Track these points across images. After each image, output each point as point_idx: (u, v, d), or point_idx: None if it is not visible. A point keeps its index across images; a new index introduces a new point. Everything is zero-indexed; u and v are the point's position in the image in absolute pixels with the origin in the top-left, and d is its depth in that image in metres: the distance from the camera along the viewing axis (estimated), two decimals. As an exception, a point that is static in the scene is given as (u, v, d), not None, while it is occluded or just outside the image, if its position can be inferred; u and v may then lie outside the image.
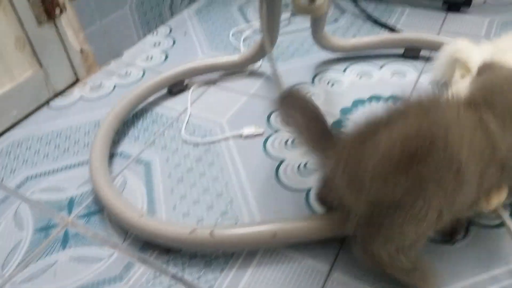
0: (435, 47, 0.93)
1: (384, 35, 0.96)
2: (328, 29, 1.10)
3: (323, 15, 0.84)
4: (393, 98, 0.85)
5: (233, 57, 0.94)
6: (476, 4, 1.16)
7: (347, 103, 0.87)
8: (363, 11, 1.14)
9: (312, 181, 0.70)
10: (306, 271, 0.58)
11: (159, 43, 1.12)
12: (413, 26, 1.09)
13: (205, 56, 1.06)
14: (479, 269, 0.56)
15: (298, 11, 0.71)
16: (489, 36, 1.02)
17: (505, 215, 0.56)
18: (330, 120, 0.80)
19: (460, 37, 0.75)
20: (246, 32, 1.13)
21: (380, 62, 0.97)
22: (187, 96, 0.92)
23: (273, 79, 0.82)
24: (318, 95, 0.89)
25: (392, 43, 0.95)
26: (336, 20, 1.15)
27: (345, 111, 0.84)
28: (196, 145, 0.80)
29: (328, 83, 0.93)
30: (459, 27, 1.06)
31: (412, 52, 0.95)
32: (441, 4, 1.13)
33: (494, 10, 1.12)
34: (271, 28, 0.84)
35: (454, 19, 1.10)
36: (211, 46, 1.10)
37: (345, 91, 0.90)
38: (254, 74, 0.97)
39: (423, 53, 0.96)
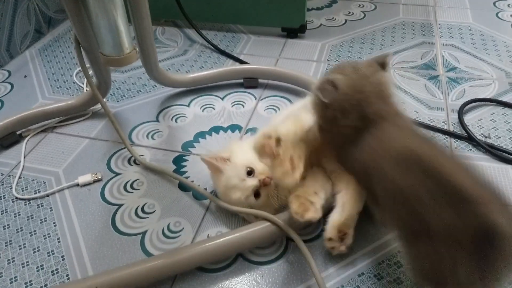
0: (269, 76, 1.01)
1: (222, 68, 1.01)
2: (177, 62, 1.14)
3: (153, 54, 0.86)
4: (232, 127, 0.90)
5: (70, 101, 0.91)
6: (312, 27, 1.28)
7: (189, 137, 0.89)
8: (209, 42, 1.18)
9: (148, 224, 0.71)
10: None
11: (-5, 90, 1.05)
12: (257, 53, 1.16)
13: (45, 100, 1.01)
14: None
15: (107, 64, 0.71)
16: (320, 59, 1.13)
17: None
18: (172, 155, 0.83)
19: (294, 66, 0.77)
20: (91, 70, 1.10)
21: (222, 93, 1.01)
22: (21, 148, 0.86)
23: (110, 121, 0.81)
24: (161, 132, 0.90)
25: (230, 75, 1.01)
26: (185, 52, 1.18)
27: (186, 146, 0.87)
28: (28, 201, 0.76)
29: (172, 118, 0.94)
30: (296, 52, 1.16)
31: (250, 82, 1.01)
32: (280, 31, 1.22)
33: (327, 33, 1.25)
34: (98, 71, 0.84)
35: (292, 44, 1.20)
36: (53, 88, 1.05)
37: (188, 125, 0.92)
38: (97, 115, 0.95)
39: (261, 81, 1.03)
